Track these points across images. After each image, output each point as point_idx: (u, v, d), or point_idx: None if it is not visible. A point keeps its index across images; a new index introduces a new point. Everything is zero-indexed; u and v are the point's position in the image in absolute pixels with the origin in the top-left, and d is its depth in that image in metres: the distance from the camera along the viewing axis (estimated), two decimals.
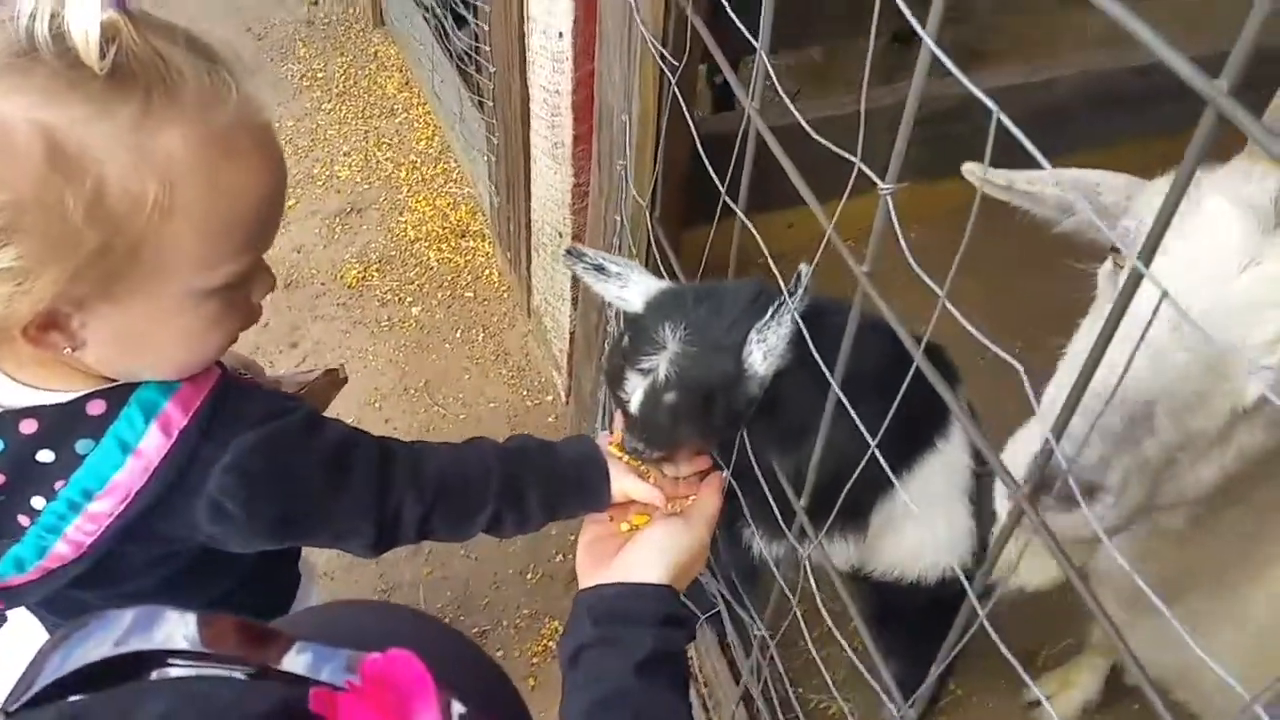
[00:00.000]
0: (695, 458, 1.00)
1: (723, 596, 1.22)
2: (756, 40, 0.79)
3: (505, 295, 2.16)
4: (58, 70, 0.60)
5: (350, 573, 1.74)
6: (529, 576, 1.77)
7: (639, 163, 1.13)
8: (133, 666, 0.38)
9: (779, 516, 0.94)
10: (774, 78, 0.80)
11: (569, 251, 0.92)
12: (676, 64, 0.96)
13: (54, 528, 0.73)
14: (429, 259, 2.22)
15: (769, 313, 0.83)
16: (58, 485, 0.71)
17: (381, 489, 0.84)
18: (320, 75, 2.64)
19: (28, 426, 0.71)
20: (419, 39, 2.43)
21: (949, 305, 0.64)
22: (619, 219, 1.22)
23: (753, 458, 0.93)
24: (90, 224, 0.61)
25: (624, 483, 0.94)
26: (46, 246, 0.61)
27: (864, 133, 0.69)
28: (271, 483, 0.77)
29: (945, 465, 1.07)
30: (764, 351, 0.83)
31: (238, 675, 0.38)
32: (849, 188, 0.72)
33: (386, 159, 2.43)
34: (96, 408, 0.72)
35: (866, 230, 0.70)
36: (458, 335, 2.09)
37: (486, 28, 1.73)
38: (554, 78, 1.45)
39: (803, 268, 0.83)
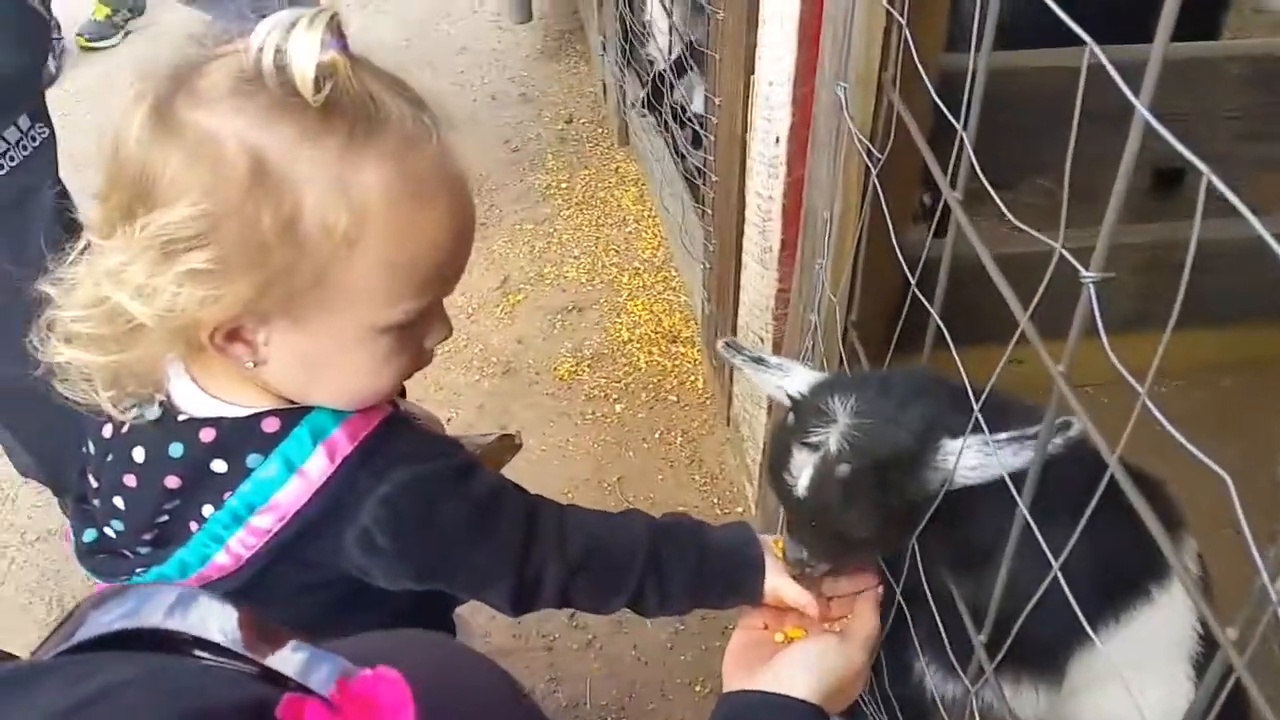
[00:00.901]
0: (858, 575, 0.93)
1: None
2: (961, 124, 0.75)
3: (707, 402, 2.16)
4: (276, 98, 0.66)
5: (520, 656, 1.74)
6: (698, 689, 1.69)
7: (836, 262, 1.10)
8: (172, 644, 0.38)
9: (949, 649, 0.84)
10: (978, 170, 0.76)
11: (727, 344, 0.89)
12: (879, 155, 0.93)
13: (218, 537, 0.77)
14: (638, 360, 2.27)
15: (1014, 437, 0.74)
16: (226, 495, 0.76)
17: (526, 544, 0.83)
18: (564, 186, 2.83)
19: (207, 435, 0.75)
20: (656, 156, 2.55)
21: (1149, 404, 0.56)
22: (813, 319, 1.19)
23: (923, 575, 0.84)
24: (282, 242, 0.66)
25: (778, 581, 0.89)
26: (239, 256, 0.66)
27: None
28: (420, 520, 0.78)
29: (1165, 622, 0.92)
30: (970, 465, 0.75)
31: (227, 666, 0.37)
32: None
33: (612, 264, 2.54)
34: (271, 425, 0.76)
35: (1105, 379, 0.63)
36: (656, 436, 2.10)
37: (712, 137, 1.78)
38: (768, 183, 1.46)
39: (1076, 422, 0.70)
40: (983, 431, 0.75)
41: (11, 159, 1.34)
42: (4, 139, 1.33)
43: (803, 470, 0.78)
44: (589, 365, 2.26)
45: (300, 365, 0.74)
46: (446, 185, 0.72)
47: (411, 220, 0.70)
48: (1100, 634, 0.89)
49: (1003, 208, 0.74)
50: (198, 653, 0.37)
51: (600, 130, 3.05)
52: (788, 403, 0.84)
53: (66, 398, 0.74)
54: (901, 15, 0.88)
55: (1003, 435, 0.74)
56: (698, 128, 2.16)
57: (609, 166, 2.91)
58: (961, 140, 0.76)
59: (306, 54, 0.65)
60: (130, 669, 0.34)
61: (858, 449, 0.76)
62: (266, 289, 0.68)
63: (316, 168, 0.66)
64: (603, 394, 2.20)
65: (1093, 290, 0.61)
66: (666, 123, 2.33)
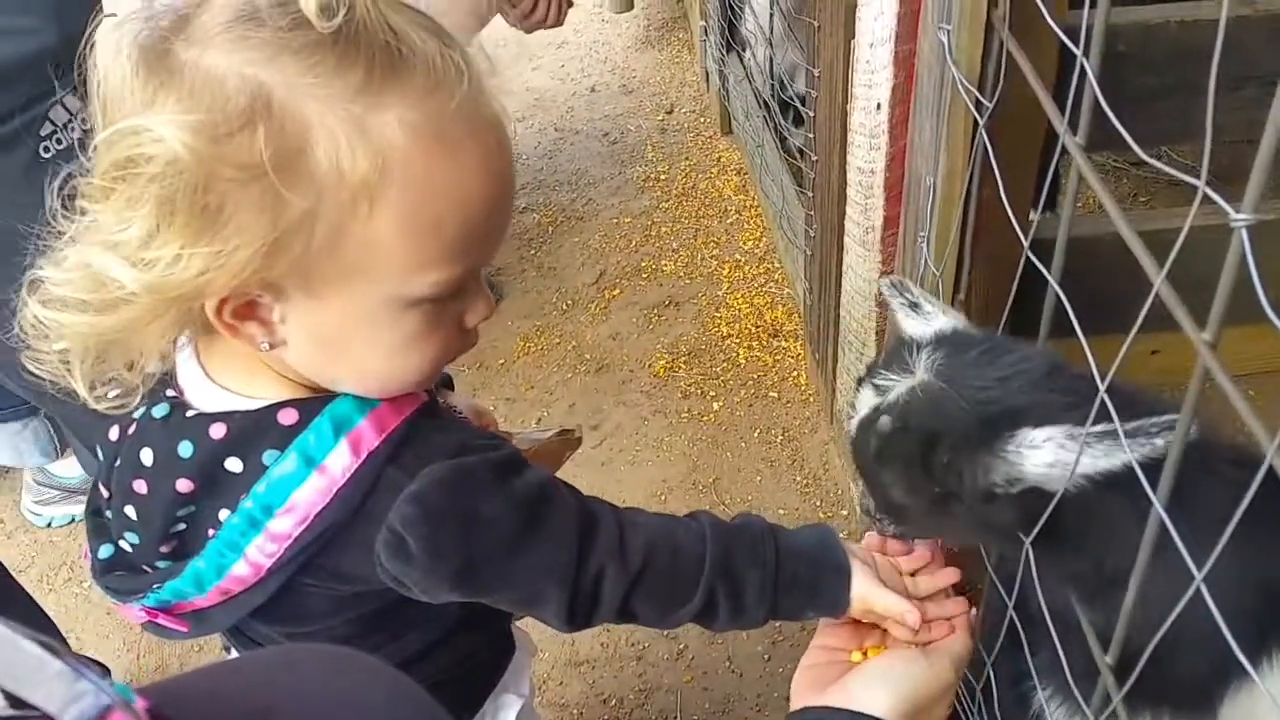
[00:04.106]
0: (946, 601, 0.81)
1: None
2: (1080, 50, 0.63)
3: (810, 399, 2.03)
4: (280, 32, 0.58)
5: (609, 666, 1.66)
6: None
7: (940, 233, 0.97)
8: None
9: (1071, 680, 0.71)
10: (1104, 104, 0.63)
11: (893, 282, 0.80)
12: (988, 104, 0.81)
13: (235, 545, 0.69)
14: (738, 356, 2.16)
15: (1106, 431, 0.62)
16: (241, 498, 0.68)
17: (580, 553, 0.74)
18: (663, 177, 2.74)
19: (217, 431, 0.68)
20: (757, 141, 2.44)
21: None
22: None
23: (1041, 595, 0.71)
24: (289, 189, 0.57)
25: (866, 588, 0.77)
26: (243, 206, 0.58)
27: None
28: (455, 523, 0.69)
29: None
30: (1054, 458, 0.63)
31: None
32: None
33: (712, 256, 2.44)
34: (288, 417, 0.68)
35: (1252, 368, 0.50)
36: (755, 435, 1.99)
37: (812, 113, 1.66)
38: (869, 155, 1.33)
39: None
40: (1099, 422, 0.62)
41: (59, 141, 1.19)
42: (50, 120, 1.18)
43: (859, 409, 0.69)
44: (685, 361, 2.17)
45: (320, 346, 0.67)
46: (479, 135, 0.63)
47: (438, 172, 0.61)
48: (1260, 669, 0.75)
49: (1134, 147, 0.60)
50: None
51: (702, 120, 2.95)
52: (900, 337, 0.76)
53: (34, 375, 0.65)
54: None
55: (1096, 428, 0.61)
56: (799, 105, 2.04)
57: (710, 156, 2.80)
58: (1083, 73, 0.63)
59: None
60: None
61: (908, 408, 0.68)
62: (276, 249, 0.59)
63: (328, 106, 0.58)
64: (699, 391, 2.10)
65: (1246, 236, 0.48)
66: (765, 102, 2.22)
